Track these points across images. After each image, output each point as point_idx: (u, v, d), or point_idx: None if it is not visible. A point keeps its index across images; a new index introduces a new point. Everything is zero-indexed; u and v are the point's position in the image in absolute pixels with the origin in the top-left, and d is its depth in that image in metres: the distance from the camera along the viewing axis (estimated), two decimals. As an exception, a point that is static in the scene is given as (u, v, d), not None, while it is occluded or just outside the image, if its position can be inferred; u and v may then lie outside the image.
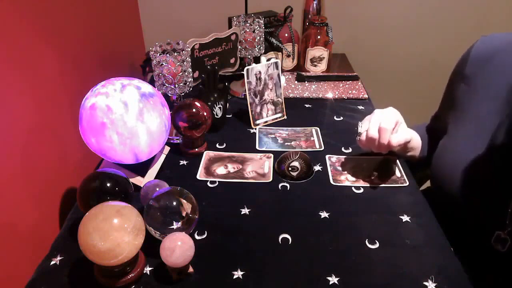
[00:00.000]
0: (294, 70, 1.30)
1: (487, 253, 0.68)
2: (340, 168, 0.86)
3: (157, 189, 0.67)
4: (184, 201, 0.62)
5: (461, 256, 0.65)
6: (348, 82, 1.23)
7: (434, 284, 0.60)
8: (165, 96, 0.82)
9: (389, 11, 1.48)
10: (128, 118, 0.66)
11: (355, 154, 0.90)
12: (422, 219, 0.72)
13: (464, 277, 0.61)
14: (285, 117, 1.05)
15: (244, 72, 0.95)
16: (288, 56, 1.25)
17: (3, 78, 0.66)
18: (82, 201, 0.65)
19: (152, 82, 0.93)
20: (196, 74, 1.03)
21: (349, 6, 1.46)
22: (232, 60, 1.12)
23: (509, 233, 0.65)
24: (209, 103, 0.94)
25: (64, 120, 0.86)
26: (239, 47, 1.09)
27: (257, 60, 1.09)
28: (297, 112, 1.08)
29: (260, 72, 0.98)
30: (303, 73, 1.26)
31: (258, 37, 1.06)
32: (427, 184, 0.91)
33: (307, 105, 1.12)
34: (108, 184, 0.65)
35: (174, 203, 0.62)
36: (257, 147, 0.93)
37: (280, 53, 1.23)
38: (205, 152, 0.91)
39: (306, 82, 1.22)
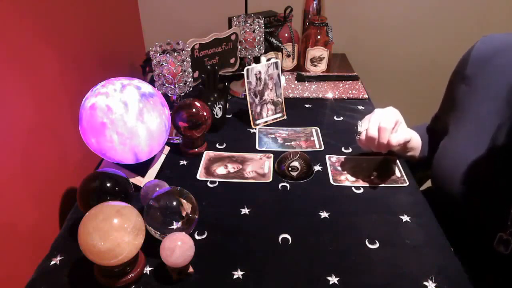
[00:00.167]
0: (294, 70, 1.29)
1: (488, 254, 0.68)
2: (340, 168, 0.86)
3: (157, 189, 0.67)
4: (184, 201, 0.62)
5: (461, 256, 0.65)
6: (348, 82, 1.23)
7: (434, 284, 0.60)
8: (165, 96, 0.82)
9: (389, 11, 1.48)
10: (128, 118, 0.66)
11: (355, 154, 0.90)
12: (422, 219, 0.72)
13: (464, 277, 0.61)
14: (285, 117, 1.05)
15: (244, 72, 0.95)
16: (288, 56, 1.25)
17: (3, 78, 0.66)
18: (82, 201, 0.65)
19: (152, 82, 0.93)
20: (196, 74, 1.03)
21: (349, 6, 1.46)
22: (232, 60, 1.12)
23: (511, 234, 0.65)
24: (209, 103, 0.94)
25: (64, 120, 0.86)
26: (239, 47, 1.09)
27: (257, 60, 1.09)
28: (297, 112, 1.08)
29: (260, 72, 0.98)
30: (303, 73, 1.26)
31: (258, 37, 1.06)
32: (427, 184, 0.91)
33: (307, 105, 1.12)
34: (108, 184, 0.65)
35: (174, 203, 0.62)
36: (257, 147, 0.93)
37: (280, 53, 1.22)
38: (205, 152, 0.91)
39: (306, 82, 1.22)
